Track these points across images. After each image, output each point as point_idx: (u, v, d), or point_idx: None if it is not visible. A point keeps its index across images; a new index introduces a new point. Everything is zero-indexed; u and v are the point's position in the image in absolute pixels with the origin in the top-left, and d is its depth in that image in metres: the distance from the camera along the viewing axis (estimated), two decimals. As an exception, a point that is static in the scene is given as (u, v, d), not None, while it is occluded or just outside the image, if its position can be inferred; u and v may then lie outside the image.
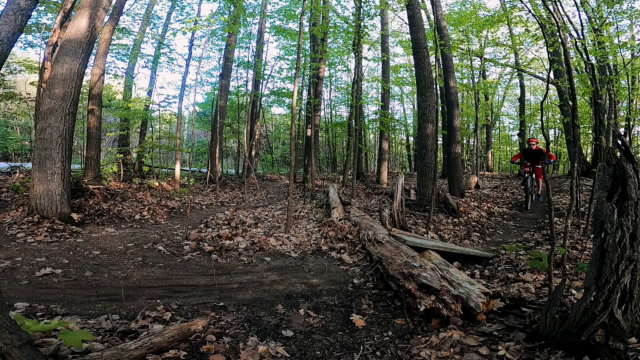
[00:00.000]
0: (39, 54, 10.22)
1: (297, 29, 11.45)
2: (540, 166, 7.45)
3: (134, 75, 14.00)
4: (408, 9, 7.78)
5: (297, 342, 2.20)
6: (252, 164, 13.58)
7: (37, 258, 3.46)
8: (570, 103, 6.45)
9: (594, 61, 7.79)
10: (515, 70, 15.79)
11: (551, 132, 20.22)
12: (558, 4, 4.31)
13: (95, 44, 6.16)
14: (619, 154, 1.80)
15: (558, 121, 17.10)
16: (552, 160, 7.38)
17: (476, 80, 14.41)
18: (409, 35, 10.16)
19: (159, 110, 12.94)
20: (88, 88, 8.98)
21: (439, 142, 11.11)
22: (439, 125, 10.57)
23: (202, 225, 5.29)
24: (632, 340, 1.73)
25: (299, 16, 9.95)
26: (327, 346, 2.18)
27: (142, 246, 4.18)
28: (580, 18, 5.46)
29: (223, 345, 2.05)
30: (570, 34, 7.63)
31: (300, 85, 13.41)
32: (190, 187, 9.34)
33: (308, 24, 11.27)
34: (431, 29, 10.83)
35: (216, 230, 4.85)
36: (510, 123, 22.20)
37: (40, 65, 7.26)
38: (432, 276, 2.54)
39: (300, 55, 7.84)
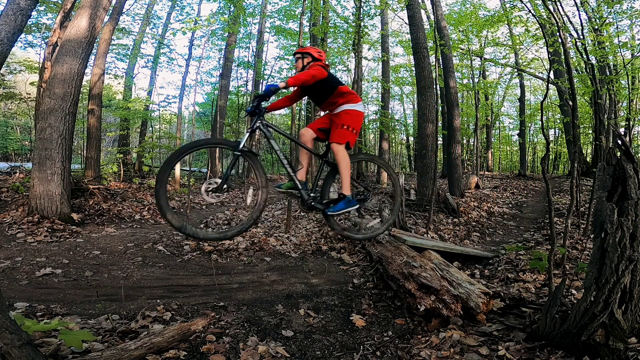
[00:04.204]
0: (39, 54, 10.24)
1: (297, 29, 11.44)
2: (339, 114, 3.09)
3: (134, 75, 14.02)
4: (408, 9, 7.78)
5: (297, 342, 2.20)
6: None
7: (37, 258, 3.46)
8: (570, 103, 6.42)
9: (594, 61, 7.78)
10: (515, 70, 15.80)
11: (551, 132, 20.23)
12: (558, 4, 4.31)
13: (95, 44, 6.16)
14: (619, 154, 1.80)
15: (558, 121, 17.11)
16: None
17: (476, 80, 14.41)
18: (409, 35, 10.16)
19: (159, 110, 12.96)
20: (88, 88, 8.99)
21: (439, 142, 11.10)
22: (439, 125, 10.57)
23: (202, 225, 5.28)
24: (632, 340, 1.73)
25: (299, 16, 9.95)
26: (327, 346, 2.17)
27: (142, 246, 4.18)
28: (580, 18, 5.47)
29: (223, 345, 2.05)
30: (570, 34, 7.63)
31: (300, 85, 13.36)
32: (190, 187, 9.35)
33: (308, 24, 11.27)
34: (431, 29, 10.82)
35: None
36: (510, 123, 22.20)
37: (40, 65, 7.27)
38: (432, 276, 2.54)
39: (300, 55, 7.83)
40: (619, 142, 1.86)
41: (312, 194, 3.10)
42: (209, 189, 2.96)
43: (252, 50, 14.09)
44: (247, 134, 2.97)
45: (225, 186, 2.88)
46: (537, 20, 5.23)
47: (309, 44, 12.49)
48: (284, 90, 3.49)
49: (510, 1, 10.46)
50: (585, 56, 4.94)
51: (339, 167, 3.12)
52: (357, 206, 3.14)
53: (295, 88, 3.25)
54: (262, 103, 3.03)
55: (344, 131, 3.09)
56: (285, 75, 14.49)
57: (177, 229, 2.70)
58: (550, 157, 19.90)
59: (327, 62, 3.33)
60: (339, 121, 3.12)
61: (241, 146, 2.84)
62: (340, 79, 3.47)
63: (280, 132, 3.45)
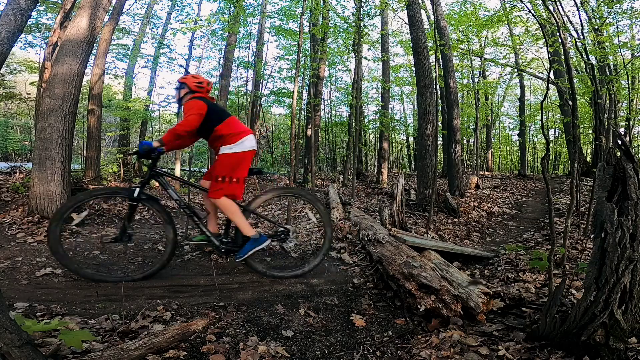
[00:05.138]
0: (39, 54, 10.25)
1: (297, 29, 11.44)
2: (216, 162, 3.00)
3: (134, 75, 14.03)
4: (408, 9, 7.78)
5: (297, 342, 2.20)
6: (252, 164, 13.56)
7: (37, 258, 3.46)
8: (570, 103, 6.41)
9: (594, 61, 7.78)
10: (515, 70, 15.80)
11: (551, 132, 20.24)
12: (558, 4, 4.31)
13: (95, 44, 6.16)
14: (619, 154, 1.80)
15: (558, 121, 17.11)
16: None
17: (476, 80, 14.43)
18: (409, 35, 10.17)
19: (159, 110, 12.97)
20: (88, 88, 8.99)
21: (439, 142, 11.11)
22: (439, 125, 10.57)
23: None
24: (632, 340, 1.73)
25: (299, 16, 9.95)
26: (327, 346, 2.17)
27: (142, 246, 4.17)
28: (580, 18, 5.47)
29: (223, 345, 2.05)
30: (570, 34, 7.63)
31: (300, 85, 13.41)
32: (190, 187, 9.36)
33: (308, 24, 11.27)
34: (431, 29, 10.82)
35: (216, 230, 4.85)
36: (510, 123, 22.25)
37: (40, 65, 7.27)
38: (432, 276, 2.54)
39: (300, 55, 7.85)
40: (619, 142, 1.86)
41: (224, 239, 2.98)
42: (107, 241, 2.97)
43: (252, 50, 14.10)
44: (141, 185, 2.91)
45: (126, 235, 2.92)
46: (537, 20, 5.23)
47: (309, 44, 12.49)
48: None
49: (510, 1, 10.46)
50: (585, 56, 4.94)
51: (229, 218, 2.89)
52: (268, 242, 3.04)
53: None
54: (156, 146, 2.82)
55: (218, 184, 2.84)
56: (285, 76, 14.49)
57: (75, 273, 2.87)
58: (550, 157, 19.92)
59: (209, 94, 3.05)
60: (214, 172, 2.87)
61: (136, 194, 2.77)
62: (227, 111, 3.09)
63: (178, 179, 3.31)
